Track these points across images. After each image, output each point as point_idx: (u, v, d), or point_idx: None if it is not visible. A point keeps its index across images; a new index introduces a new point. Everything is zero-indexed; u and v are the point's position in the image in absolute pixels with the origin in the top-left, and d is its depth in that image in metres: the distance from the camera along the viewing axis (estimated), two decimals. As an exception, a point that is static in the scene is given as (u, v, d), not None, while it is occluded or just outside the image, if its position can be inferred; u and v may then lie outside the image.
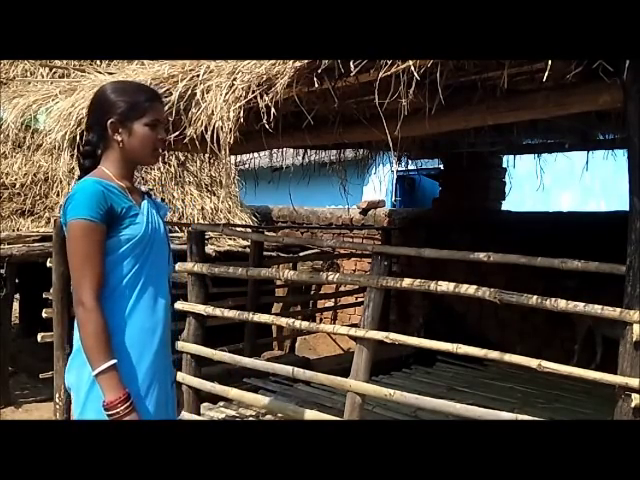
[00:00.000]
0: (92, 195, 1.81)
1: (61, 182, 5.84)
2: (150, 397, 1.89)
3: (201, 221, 6.62)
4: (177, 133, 3.02)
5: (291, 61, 2.46)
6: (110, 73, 3.57)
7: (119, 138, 1.92)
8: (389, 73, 2.22)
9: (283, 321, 3.88)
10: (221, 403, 4.45)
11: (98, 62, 4.33)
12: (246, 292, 5.58)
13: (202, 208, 6.89)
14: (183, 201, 6.76)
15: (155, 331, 1.93)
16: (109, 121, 1.90)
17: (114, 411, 1.75)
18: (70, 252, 1.84)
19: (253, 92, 2.60)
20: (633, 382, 2.31)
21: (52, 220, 5.02)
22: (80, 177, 1.96)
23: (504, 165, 6.54)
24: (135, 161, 2.00)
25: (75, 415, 1.91)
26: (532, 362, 2.61)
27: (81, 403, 1.86)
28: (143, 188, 2.09)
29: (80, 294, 1.80)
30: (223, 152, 2.76)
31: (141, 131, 1.92)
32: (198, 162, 7.01)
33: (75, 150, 3.45)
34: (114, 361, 1.78)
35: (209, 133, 2.76)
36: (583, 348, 5.31)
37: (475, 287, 2.80)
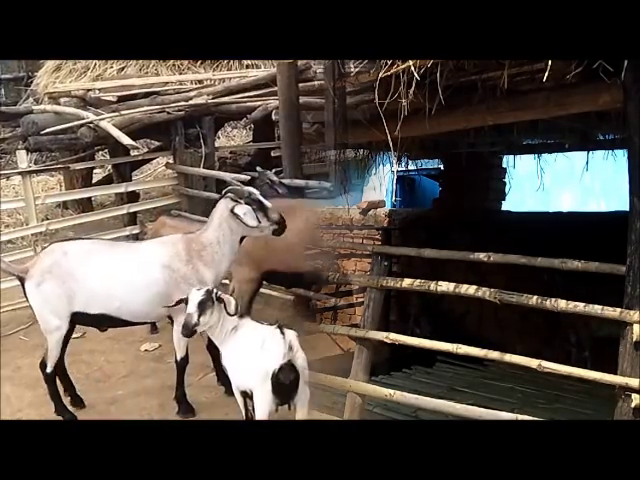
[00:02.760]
0: None
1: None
2: None
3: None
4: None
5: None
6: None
7: None
8: (389, 73, 2.22)
9: (283, 321, 3.88)
10: (221, 403, 4.44)
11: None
12: (246, 292, 5.56)
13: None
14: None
15: None
16: None
17: None
18: None
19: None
20: (633, 382, 2.31)
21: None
22: None
23: (504, 165, 6.53)
24: None
25: None
26: (532, 362, 2.61)
27: None
28: None
29: None
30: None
31: None
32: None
33: None
34: None
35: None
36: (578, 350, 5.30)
37: (475, 287, 2.80)
